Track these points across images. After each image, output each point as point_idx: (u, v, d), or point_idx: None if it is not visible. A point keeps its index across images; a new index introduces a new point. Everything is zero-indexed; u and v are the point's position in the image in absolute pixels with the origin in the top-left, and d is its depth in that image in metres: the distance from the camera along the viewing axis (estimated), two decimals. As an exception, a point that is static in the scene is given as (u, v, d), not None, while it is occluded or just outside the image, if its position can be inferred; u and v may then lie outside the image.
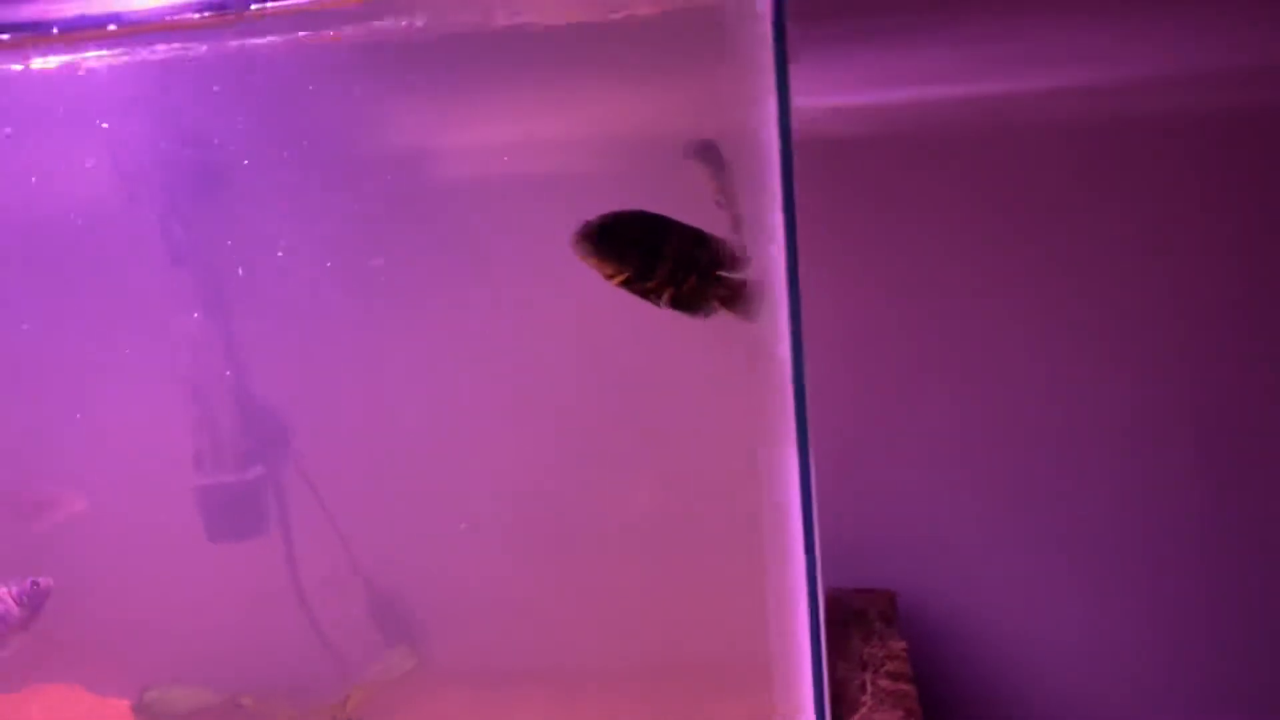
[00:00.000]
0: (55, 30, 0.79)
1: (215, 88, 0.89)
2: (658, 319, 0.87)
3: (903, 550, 1.34)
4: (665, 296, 0.78)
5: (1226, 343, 1.22)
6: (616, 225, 0.76)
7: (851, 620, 1.26)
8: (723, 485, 0.87)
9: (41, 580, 0.98)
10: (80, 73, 0.85)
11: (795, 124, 1.17)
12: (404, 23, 0.83)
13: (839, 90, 1.21)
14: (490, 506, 0.98)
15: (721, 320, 0.80)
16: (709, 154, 0.79)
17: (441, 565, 1.00)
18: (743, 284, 0.80)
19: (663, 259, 0.77)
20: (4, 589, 0.96)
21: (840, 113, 1.21)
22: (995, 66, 1.19)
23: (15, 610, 0.96)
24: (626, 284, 0.78)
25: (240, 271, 0.99)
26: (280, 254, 0.93)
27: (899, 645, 1.20)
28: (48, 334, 0.97)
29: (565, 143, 0.84)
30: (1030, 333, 1.26)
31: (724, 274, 0.79)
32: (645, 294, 0.78)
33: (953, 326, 1.27)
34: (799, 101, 1.19)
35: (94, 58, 0.84)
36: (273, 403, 1.03)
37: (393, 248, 0.95)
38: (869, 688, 1.13)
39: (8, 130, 0.88)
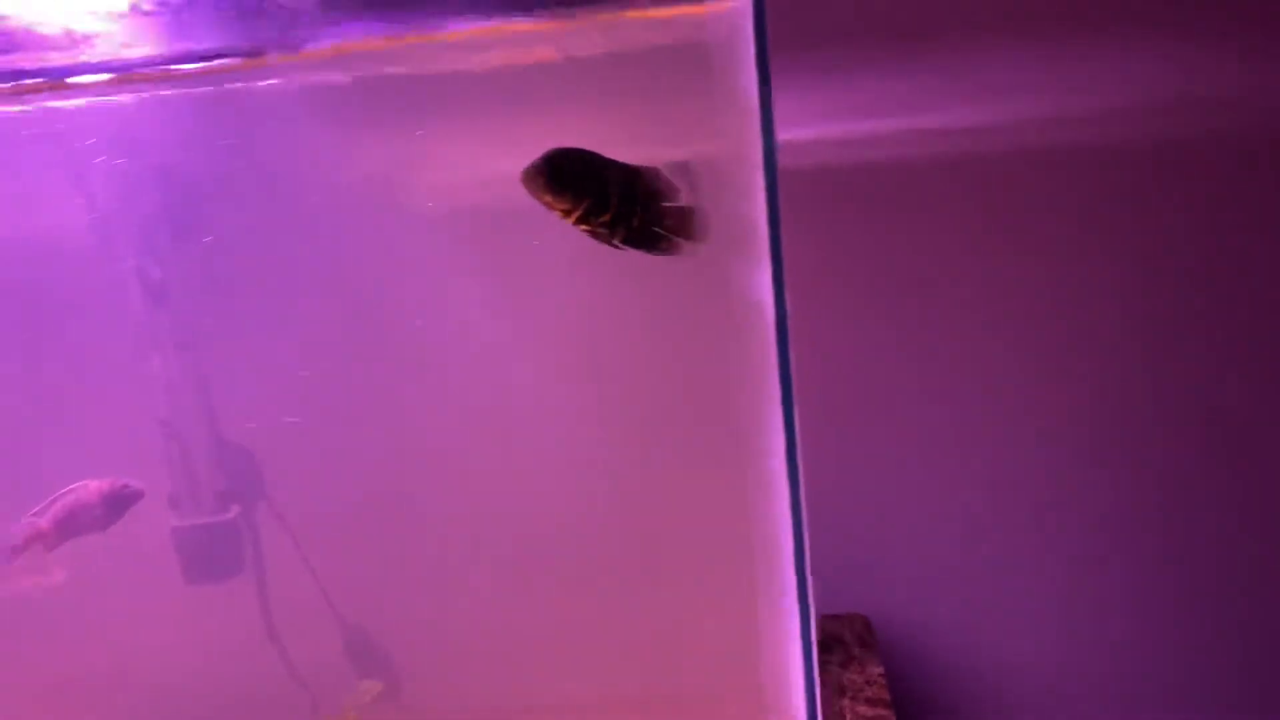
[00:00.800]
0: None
1: (193, 129, 0.89)
2: (631, 340, 0.88)
3: (876, 575, 1.35)
4: (618, 235, 0.75)
5: (1201, 368, 1.26)
6: (564, 160, 0.73)
7: (830, 646, 1.27)
8: (709, 508, 0.87)
9: (132, 483, 0.96)
10: (59, 115, 0.85)
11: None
12: (389, 70, 0.84)
13: (808, 123, 1.24)
14: (469, 537, 0.97)
15: (698, 333, 0.79)
16: (684, 172, 0.79)
17: (421, 599, 0.99)
18: (688, 210, 0.77)
19: (610, 193, 0.74)
20: (95, 484, 0.94)
21: (809, 145, 1.24)
22: (962, 98, 1.22)
23: (99, 507, 0.94)
24: (584, 219, 0.74)
25: (216, 312, 0.99)
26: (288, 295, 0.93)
27: (876, 670, 1.21)
28: (23, 376, 0.97)
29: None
30: (1004, 359, 1.28)
31: (667, 204, 0.76)
32: (600, 229, 0.74)
33: (924, 354, 1.29)
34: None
35: (72, 104, 0.84)
36: (247, 441, 1.03)
37: (375, 283, 0.96)
38: (848, 714, 1.14)
39: None
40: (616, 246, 0.76)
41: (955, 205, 1.25)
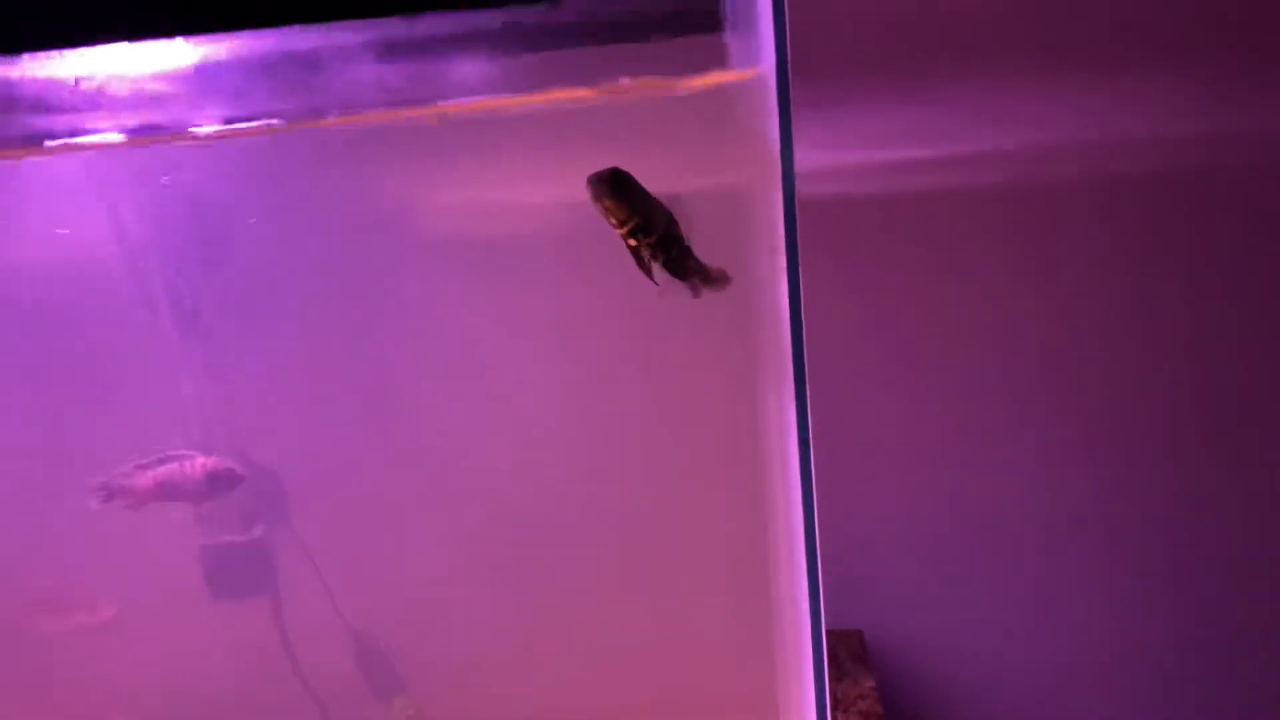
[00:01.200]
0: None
1: (224, 168, 0.93)
2: (649, 353, 0.92)
3: (869, 589, 1.39)
4: (658, 258, 0.79)
5: (1202, 384, 1.30)
6: (626, 177, 0.77)
7: (823, 660, 1.31)
8: (721, 520, 0.91)
9: (238, 468, 0.97)
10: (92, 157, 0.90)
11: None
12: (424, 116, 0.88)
13: (823, 152, 1.29)
14: (480, 544, 1.01)
15: (714, 347, 0.84)
16: (678, 207, 0.83)
17: (431, 613, 1.02)
18: (718, 270, 0.82)
19: (655, 222, 0.78)
20: (201, 459, 0.96)
21: (823, 174, 1.29)
22: (973, 128, 1.27)
23: (203, 484, 0.96)
24: (634, 233, 0.78)
25: (240, 334, 1.03)
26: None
27: (869, 684, 1.26)
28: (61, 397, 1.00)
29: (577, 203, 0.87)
30: (1004, 379, 1.32)
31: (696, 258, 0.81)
32: (642, 250, 0.79)
33: (923, 373, 1.33)
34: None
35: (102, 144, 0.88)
36: (272, 461, 1.06)
37: (398, 309, 1.00)
38: (841, 726, 1.19)
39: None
40: (651, 277, 0.81)
41: (962, 230, 1.29)
